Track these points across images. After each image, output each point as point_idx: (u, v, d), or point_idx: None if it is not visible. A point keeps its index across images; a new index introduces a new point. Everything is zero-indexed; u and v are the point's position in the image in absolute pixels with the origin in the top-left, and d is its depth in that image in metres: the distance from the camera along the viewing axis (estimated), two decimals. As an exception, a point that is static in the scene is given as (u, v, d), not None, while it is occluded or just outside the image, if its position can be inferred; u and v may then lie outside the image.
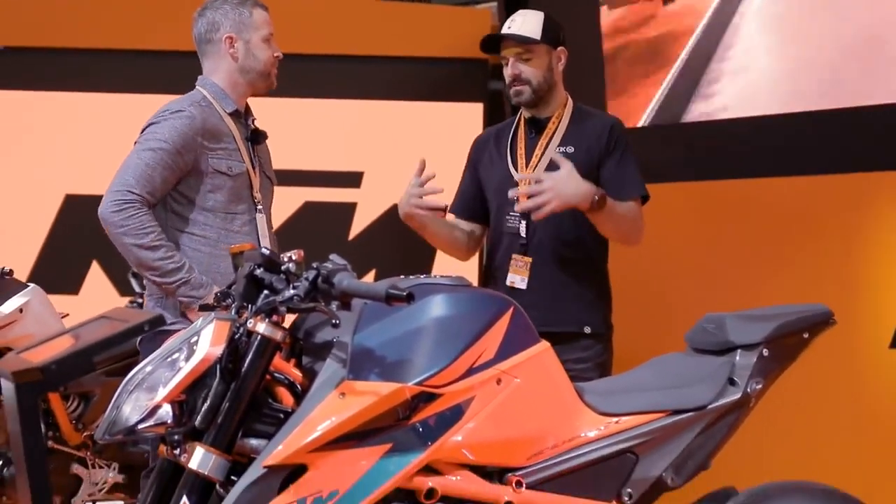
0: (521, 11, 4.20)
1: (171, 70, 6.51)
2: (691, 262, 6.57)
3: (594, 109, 4.35)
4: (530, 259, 4.07)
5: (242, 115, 4.12)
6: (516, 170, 4.14)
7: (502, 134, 4.27)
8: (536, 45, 4.10)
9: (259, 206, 4.08)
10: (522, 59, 4.11)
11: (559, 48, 4.16)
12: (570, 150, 4.05)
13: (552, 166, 3.98)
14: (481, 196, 4.25)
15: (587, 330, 4.05)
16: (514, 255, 4.09)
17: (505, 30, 4.15)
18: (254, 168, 4.07)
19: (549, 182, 3.85)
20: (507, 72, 4.14)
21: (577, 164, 3.95)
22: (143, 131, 3.99)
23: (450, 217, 4.25)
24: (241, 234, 3.98)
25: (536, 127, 4.17)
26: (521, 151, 4.15)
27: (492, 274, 4.22)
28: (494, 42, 4.19)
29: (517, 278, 4.06)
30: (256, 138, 4.14)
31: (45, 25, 7.72)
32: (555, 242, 4.08)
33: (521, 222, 4.11)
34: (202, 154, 3.93)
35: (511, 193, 4.01)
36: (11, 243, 7.55)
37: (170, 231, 3.91)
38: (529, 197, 3.89)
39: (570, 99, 4.21)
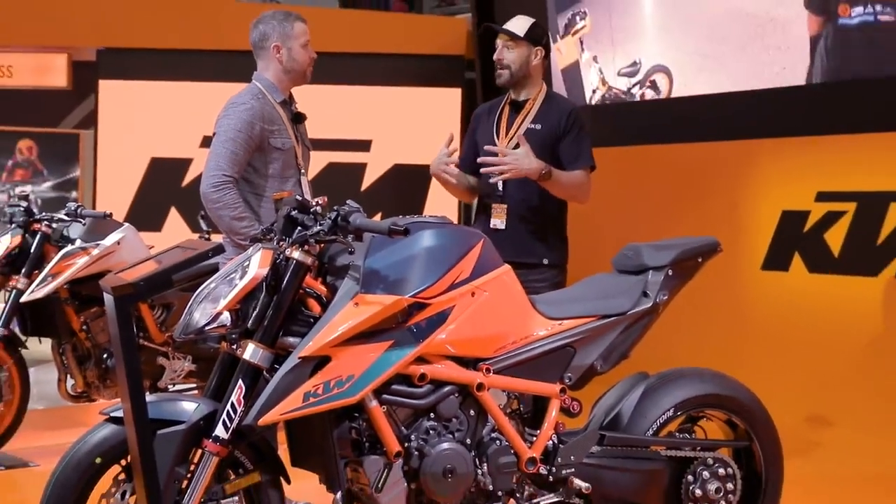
0: (519, 16, 4.14)
1: (230, 65, 6.48)
2: (617, 206, 6.58)
3: (562, 96, 4.32)
4: (506, 205, 4.06)
5: (288, 102, 4.10)
6: (498, 139, 4.12)
7: (493, 109, 4.21)
8: (519, 39, 4.06)
9: (303, 171, 4.07)
10: (507, 48, 4.07)
11: (538, 47, 4.09)
12: (539, 126, 4.03)
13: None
14: (477, 155, 4.21)
15: (545, 261, 4.03)
16: (493, 204, 4.08)
17: (504, 25, 4.13)
18: (297, 142, 4.06)
19: (510, 157, 3.87)
20: (495, 56, 4.10)
21: (543, 137, 3.99)
22: (218, 122, 3.94)
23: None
24: None
25: (516, 107, 4.13)
26: (503, 126, 4.12)
27: (479, 216, 4.22)
28: (493, 32, 4.17)
29: (498, 221, 4.05)
30: (298, 119, 4.13)
31: (135, 31, 7.70)
32: (523, 197, 4.04)
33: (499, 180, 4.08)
34: (264, 135, 3.91)
35: (479, 160, 3.99)
36: (112, 193, 7.59)
37: (242, 193, 3.89)
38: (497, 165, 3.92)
39: (544, 86, 4.15)
